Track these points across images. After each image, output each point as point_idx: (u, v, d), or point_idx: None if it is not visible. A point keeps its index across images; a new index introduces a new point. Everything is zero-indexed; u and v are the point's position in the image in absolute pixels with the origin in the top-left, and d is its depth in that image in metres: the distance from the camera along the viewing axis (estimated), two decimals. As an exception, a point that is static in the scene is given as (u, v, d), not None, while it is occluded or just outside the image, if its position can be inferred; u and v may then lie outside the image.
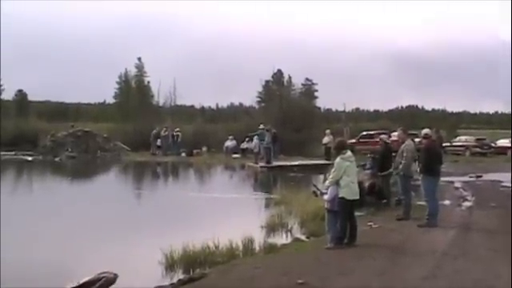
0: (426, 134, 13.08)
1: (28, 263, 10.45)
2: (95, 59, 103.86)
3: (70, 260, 10.87)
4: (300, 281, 8.07)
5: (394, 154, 15.14)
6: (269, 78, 67.90)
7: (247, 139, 38.55)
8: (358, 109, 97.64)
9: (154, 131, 41.20)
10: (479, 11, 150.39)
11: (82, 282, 8.36)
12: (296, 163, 32.04)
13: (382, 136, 17.90)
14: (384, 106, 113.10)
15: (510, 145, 41.97)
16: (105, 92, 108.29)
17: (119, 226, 14.24)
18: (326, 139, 34.70)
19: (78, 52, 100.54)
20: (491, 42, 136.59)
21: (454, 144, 43.01)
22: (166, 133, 41.33)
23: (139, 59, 79.18)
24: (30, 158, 36.95)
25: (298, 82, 74.19)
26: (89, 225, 14.19)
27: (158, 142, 41.14)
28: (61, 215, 15.53)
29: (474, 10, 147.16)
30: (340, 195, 10.38)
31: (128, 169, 34.93)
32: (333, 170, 10.64)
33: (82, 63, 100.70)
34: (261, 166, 31.66)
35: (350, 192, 10.42)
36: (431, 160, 12.68)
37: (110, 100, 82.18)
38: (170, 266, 10.21)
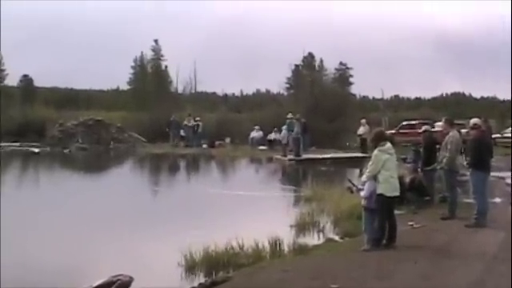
0: (474, 124, 12.92)
1: (34, 265, 10.53)
2: (107, 41, 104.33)
3: (80, 261, 10.98)
4: (333, 286, 8.05)
5: (437, 147, 15.04)
6: (299, 61, 67.70)
7: (275, 129, 38.54)
8: (397, 96, 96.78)
9: (172, 119, 41.29)
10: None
11: (95, 285, 8.42)
12: (328, 156, 31.97)
13: (425, 126, 17.76)
14: (426, 93, 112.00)
15: None
16: (118, 78, 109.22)
17: (134, 225, 14.30)
18: (361, 130, 34.52)
19: (88, 34, 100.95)
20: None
21: (505, 135, 42.47)
22: (192, 122, 41.45)
23: (156, 41, 79.52)
24: (36, 150, 37.38)
25: (330, 66, 73.88)
26: (101, 223, 14.34)
27: (182, 132, 41.33)
28: (71, 213, 15.65)
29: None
30: (378, 191, 10.34)
31: (144, 162, 35.19)
32: (370, 163, 10.60)
33: (93, 46, 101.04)
34: (289, 159, 31.69)
35: (390, 188, 10.36)
36: (480, 153, 12.53)
37: (124, 86, 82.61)
38: (190, 268, 10.26)
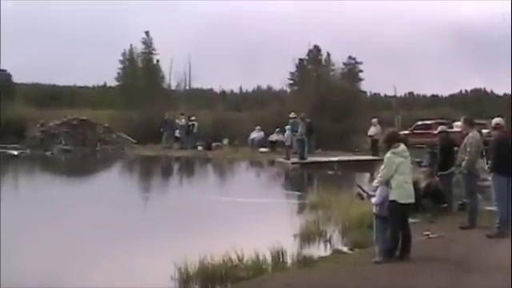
0: (496, 124, 12.90)
1: (14, 281, 10.44)
2: (94, 33, 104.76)
3: (63, 276, 10.95)
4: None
5: (456, 149, 15.01)
6: (303, 55, 67.88)
7: (277, 130, 38.52)
8: (411, 93, 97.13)
9: (167, 118, 41.35)
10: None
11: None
12: (336, 159, 31.96)
13: (442, 126, 17.75)
14: (444, 90, 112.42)
15: None
16: (105, 73, 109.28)
17: (123, 235, 14.29)
18: (372, 130, 34.54)
19: (72, 24, 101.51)
20: None
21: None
22: (183, 121, 41.51)
23: (147, 33, 79.86)
24: (15, 153, 37.25)
25: (338, 60, 74.10)
26: (87, 233, 14.27)
27: (177, 133, 41.37)
28: (53, 222, 15.62)
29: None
30: (391, 198, 10.33)
31: (133, 165, 35.16)
32: (382, 167, 10.59)
33: (77, 38, 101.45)
34: (293, 163, 31.70)
35: (403, 194, 10.35)
36: (503, 155, 12.50)
37: (112, 82, 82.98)
38: (185, 281, 10.25)
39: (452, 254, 11.05)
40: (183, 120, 41.58)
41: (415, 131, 39.66)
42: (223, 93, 75.93)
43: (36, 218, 16.11)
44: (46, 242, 13.57)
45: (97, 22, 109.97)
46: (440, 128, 17.34)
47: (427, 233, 12.83)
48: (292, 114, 34.67)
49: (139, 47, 79.70)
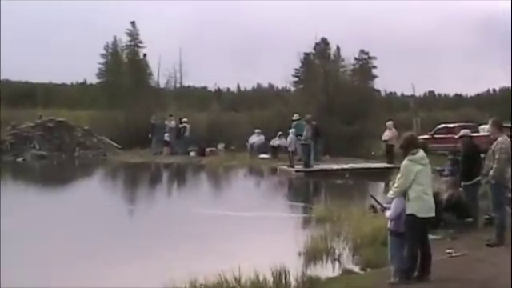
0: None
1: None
2: (72, 23, 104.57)
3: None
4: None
5: (482, 156, 14.99)
6: (309, 49, 67.76)
7: (279, 134, 38.53)
8: (431, 92, 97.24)
9: (154, 121, 41.42)
10: None
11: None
12: (346, 166, 31.97)
13: (466, 130, 17.69)
14: (468, 89, 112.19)
15: None
16: (85, 68, 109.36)
17: (104, 253, 14.27)
18: (387, 134, 34.46)
19: (47, 13, 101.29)
20: None
21: None
22: (173, 123, 41.52)
23: (132, 24, 79.92)
24: (-20, 160, 37.29)
25: (349, 55, 74.14)
26: (63, 252, 14.28)
27: (166, 136, 41.41)
28: (23, 239, 15.59)
29: None
30: (408, 211, 10.31)
31: (117, 174, 35.16)
32: (398, 176, 10.58)
33: (53, 29, 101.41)
34: (297, 171, 31.67)
35: (423, 207, 10.33)
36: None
37: (93, 79, 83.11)
38: (174, 305, 10.24)
39: (477, 275, 11.04)
40: (173, 122, 41.60)
41: (436, 135, 39.57)
42: (218, 91, 76.03)
43: (3, 232, 15.82)
44: (14, 260, 13.49)
45: (75, 11, 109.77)
46: (463, 132, 17.24)
47: (450, 251, 12.81)
48: (296, 116, 34.68)
49: (124, 39, 79.96)
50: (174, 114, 42.62)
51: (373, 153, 38.27)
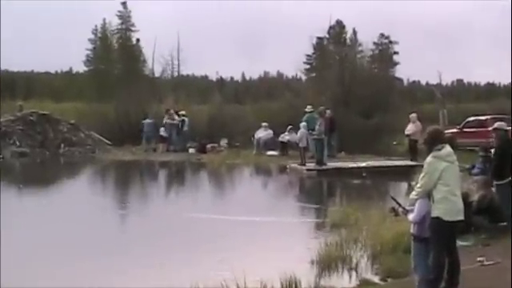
0: None
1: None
2: (55, 6, 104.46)
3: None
4: None
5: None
6: (323, 33, 67.75)
7: (289, 128, 38.51)
8: (460, 81, 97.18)
9: (145, 121, 41.40)
10: None
11: None
12: (363, 164, 31.90)
13: (499, 123, 17.63)
14: (501, 77, 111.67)
15: None
16: (71, 55, 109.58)
17: (92, 262, 14.28)
18: (410, 128, 34.41)
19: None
20: None
21: None
22: (171, 118, 41.51)
23: (123, 4, 79.86)
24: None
25: (367, 39, 74.15)
26: (44, 260, 14.34)
27: (162, 131, 41.44)
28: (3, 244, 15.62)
29: None
30: (433, 214, 10.28)
31: (107, 173, 35.17)
32: (422, 174, 10.54)
33: (34, 12, 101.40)
34: (309, 169, 31.62)
35: (450, 209, 10.31)
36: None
37: (79, 67, 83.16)
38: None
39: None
40: (172, 117, 41.51)
41: (465, 129, 39.53)
42: (221, 81, 76.13)
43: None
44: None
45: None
46: (497, 124, 17.17)
47: (481, 259, 12.80)
48: (309, 108, 34.59)
49: (114, 22, 79.89)
50: (171, 107, 42.57)
51: (394, 142, 38.23)
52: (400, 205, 11.38)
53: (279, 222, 19.11)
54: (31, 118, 42.11)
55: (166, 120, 41.50)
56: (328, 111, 34.80)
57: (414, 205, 10.57)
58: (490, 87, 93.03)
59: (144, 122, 41.61)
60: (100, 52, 79.01)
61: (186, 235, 17.72)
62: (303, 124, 33.78)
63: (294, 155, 35.03)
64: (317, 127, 32.02)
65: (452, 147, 10.75)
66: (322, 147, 32.10)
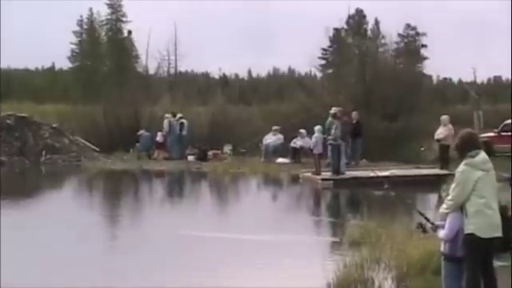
0: None
1: None
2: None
3: None
4: None
5: None
6: (341, 24, 67.89)
7: (301, 132, 38.49)
8: (498, 78, 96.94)
9: (141, 133, 41.47)
10: None
11: None
12: (386, 173, 31.71)
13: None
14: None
15: None
16: (54, 50, 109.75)
17: None
18: (441, 132, 34.32)
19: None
20: None
21: None
22: (167, 122, 41.61)
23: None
24: None
25: (391, 30, 74.06)
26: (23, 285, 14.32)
27: (158, 136, 41.50)
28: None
29: None
30: (467, 230, 10.26)
31: (94, 184, 35.19)
32: (453, 185, 10.51)
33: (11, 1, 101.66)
34: (324, 179, 31.54)
35: (485, 224, 10.27)
36: None
37: (64, 63, 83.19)
38: None
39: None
40: (170, 120, 41.61)
41: (503, 133, 39.48)
42: (224, 79, 76.31)
43: None
44: None
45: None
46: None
47: (522, 281, 12.79)
48: (333, 110, 34.12)
49: (103, 12, 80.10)
50: (168, 110, 42.65)
51: (422, 148, 38.20)
52: (428, 220, 11.36)
53: (290, 240, 19.09)
54: (8, 121, 42.20)
55: (166, 124, 41.52)
56: (354, 113, 34.89)
57: (444, 220, 10.54)
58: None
59: (140, 133, 41.68)
60: (86, 46, 79.27)
61: (184, 257, 17.72)
62: (318, 128, 33.55)
63: (308, 163, 35.05)
64: (332, 131, 31.88)
65: (488, 153, 10.72)
66: (339, 154, 32.01)
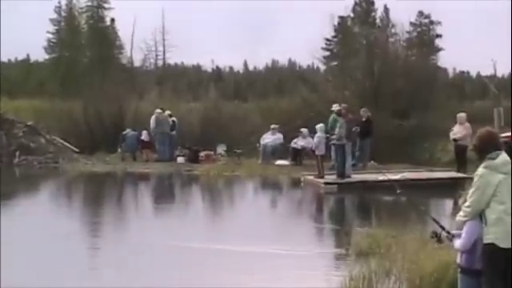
0: None
1: None
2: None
3: None
4: None
5: None
6: (346, 12, 67.94)
7: (302, 131, 38.50)
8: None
9: (126, 133, 41.46)
10: None
11: None
12: (397, 177, 31.59)
13: None
14: None
15: None
16: (29, 40, 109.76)
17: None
18: (457, 130, 34.32)
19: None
20: None
21: None
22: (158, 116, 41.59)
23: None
24: None
25: (402, 19, 74.01)
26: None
27: (144, 136, 41.48)
28: None
29: None
30: (486, 240, 10.24)
31: (73, 189, 35.20)
32: (471, 190, 10.49)
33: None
34: (327, 183, 31.51)
35: (506, 233, 10.25)
36: None
37: (39, 55, 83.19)
38: None
39: None
40: (157, 116, 41.60)
41: (526, 133, 39.51)
42: (218, 72, 76.36)
43: None
44: None
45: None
46: None
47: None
48: (334, 106, 34.18)
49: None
50: (156, 106, 42.64)
51: (432, 154, 38.15)
52: (444, 228, 11.34)
53: (291, 251, 19.10)
54: (-23, 119, 42.28)
55: (152, 120, 41.46)
56: (363, 110, 34.94)
57: (461, 228, 10.51)
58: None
59: (126, 133, 41.63)
60: (65, 35, 79.21)
61: (171, 269, 17.70)
62: (320, 126, 33.47)
63: (310, 165, 35.06)
64: (337, 130, 31.76)
65: (510, 155, 10.68)
66: (344, 155, 31.96)
